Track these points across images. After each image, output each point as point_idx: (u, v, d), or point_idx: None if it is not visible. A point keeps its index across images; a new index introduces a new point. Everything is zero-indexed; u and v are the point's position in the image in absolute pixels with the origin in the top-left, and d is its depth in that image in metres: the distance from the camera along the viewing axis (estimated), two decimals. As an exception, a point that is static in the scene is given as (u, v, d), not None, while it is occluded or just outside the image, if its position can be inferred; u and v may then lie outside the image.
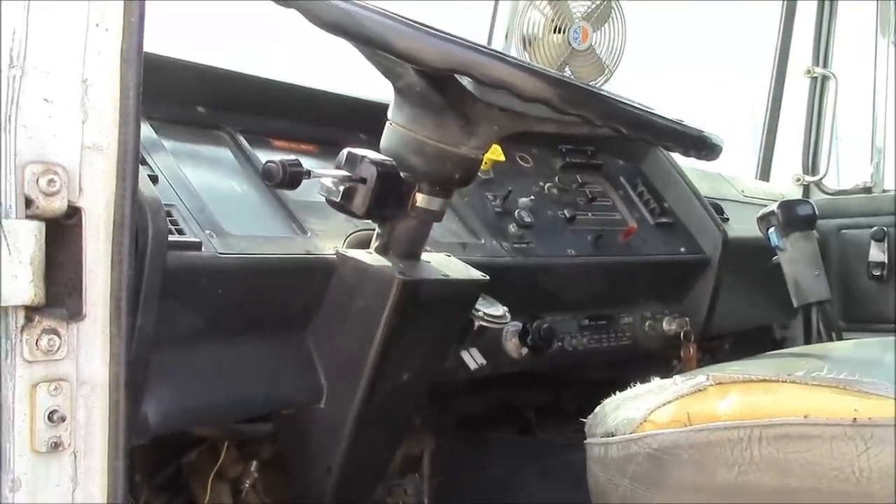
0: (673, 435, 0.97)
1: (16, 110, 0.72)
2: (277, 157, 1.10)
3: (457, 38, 0.96)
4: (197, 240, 1.08)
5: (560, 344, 1.62)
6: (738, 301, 2.07)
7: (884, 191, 2.62)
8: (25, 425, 0.74)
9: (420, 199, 1.18)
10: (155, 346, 0.99)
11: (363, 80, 1.37)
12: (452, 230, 1.50)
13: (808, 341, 2.24)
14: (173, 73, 1.26)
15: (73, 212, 0.75)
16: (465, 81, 1.12)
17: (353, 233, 1.29)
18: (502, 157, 1.63)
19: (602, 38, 1.82)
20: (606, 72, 1.85)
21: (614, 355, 1.78)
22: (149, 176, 1.08)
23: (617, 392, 1.12)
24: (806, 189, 2.68)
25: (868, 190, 2.63)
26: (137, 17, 0.77)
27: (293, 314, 1.22)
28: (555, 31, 1.77)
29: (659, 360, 1.95)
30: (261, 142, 1.37)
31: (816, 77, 2.67)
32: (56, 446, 0.76)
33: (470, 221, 1.54)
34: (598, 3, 1.80)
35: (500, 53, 1.00)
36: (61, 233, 0.75)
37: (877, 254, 2.39)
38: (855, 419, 0.88)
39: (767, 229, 2.01)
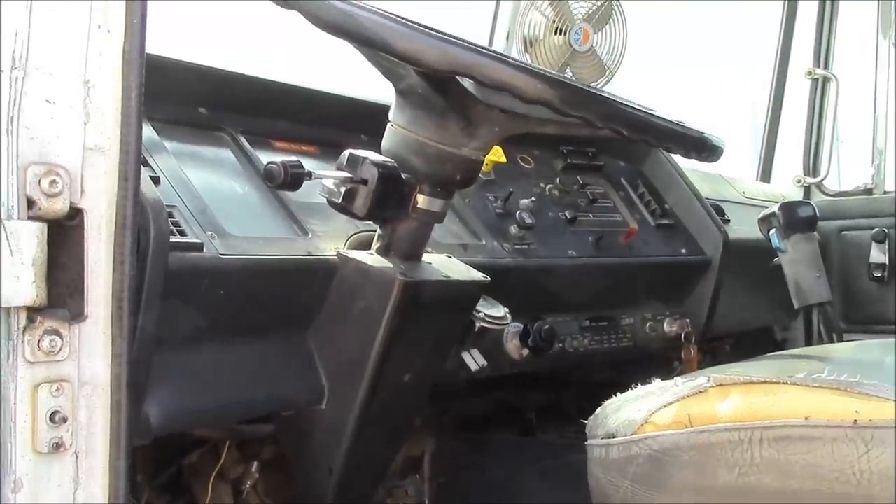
0: (674, 436, 0.97)
1: (18, 111, 0.72)
2: (279, 158, 1.10)
3: (458, 39, 0.96)
4: (198, 241, 1.08)
5: (561, 345, 1.62)
6: (739, 302, 2.08)
7: (885, 192, 2.62)
8: (27, 426, 0.74)
9: (421, 200, 1.18)
10: (156, 346, 0.99)
11: (364, 82, 1.37)
12: (453, 231, 1.50)
13: (808, 343, 2.24)
14: (175, 75, 1.26)
15: (75, 213, 0.75)
16: (467, 83, 1.12)
17: (355, 234, 1.29)
18: (503, 159, 1.63)
19: (603, 40, 1.82)
20: (607, 73, 1.85)
21: (615, 356, 1.78)
22: (150, 177, 1.08)
23: (618, 393, 1.12)
24: (807, 190, 2.68)
25: (869, 191, 2.63)
26: (139, 18, 0.77)
27: (294, 315, 1.22)
28: (556, 33, 1.77)
29: (660, 361, 1.95)
30: (262, 143, 1.37)
31: (817, 78, 2.67)
32: (58, 447, 0.76)
33: (471, 223, 1.54)
34: (599, 4, 1.80)
35: (502, 55, 1.00)
36: (63, 234, 0.75)
37: (878, 255, 2.39)
38: (856, 421, 0.88)
39: (768, 231, 2.01)
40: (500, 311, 1.39)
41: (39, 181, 0.73)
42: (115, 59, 0.76)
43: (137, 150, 0.78)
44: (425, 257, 1.26)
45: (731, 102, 3.78)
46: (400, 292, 1.16)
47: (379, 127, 1.20)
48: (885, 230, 2.38)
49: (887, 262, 2.38)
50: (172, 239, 1.01)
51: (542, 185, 1.76)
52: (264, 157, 1.30)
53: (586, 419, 1.12)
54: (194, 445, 1.38)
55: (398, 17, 0.95)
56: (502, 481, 1.80)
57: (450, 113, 1.13)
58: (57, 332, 0.75)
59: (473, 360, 1.40)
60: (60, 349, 0.75)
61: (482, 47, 0.98)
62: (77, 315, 0.76)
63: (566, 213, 1.72)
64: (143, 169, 0.91)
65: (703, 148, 1.17)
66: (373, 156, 1.15)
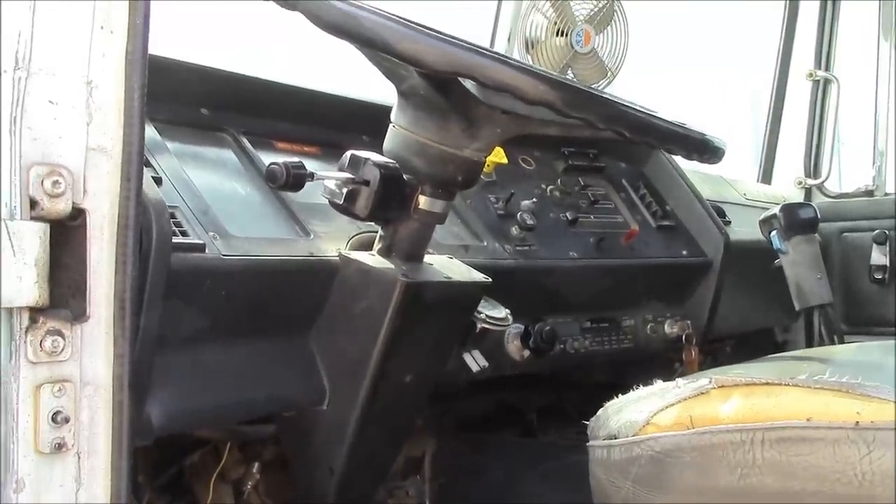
0: (675, 438, 0.97)
1: (21, 112, 0.72)
2: (281, 159, 1.10)
3: (460, 40, 0.96)
4: (200, 241, 1.08)
5: (562, 346, 1.62)
6: (740, 304, 2.08)
7: (886, 194, 2.62)
8: (29, 426, 0.74)
9: (423, 201, 1.18)
10: (158, 347, 0.99)
11: (366, 83, 1.37)
12: (455, 232, 1.50)
13: (809, 344, 2.25)
14: (177, 75, 1.26)
15: (78, 213, 0.76)
16: (468, 84, 1.12)
17: (356, 235, 1.29)
18: (505, 160, 1.63)
19: (605, 41, 1.82)
20: (609, 74, 1.84)
21: (616, 358, 1.78)
22: (153, 177, 1.08)
23: (619, 394, 1.12)
24: (808, 192, 2.68)
25: (870, 193, 2.63)
26: (142, 19, 0.77)
27: (296, 316, 1.22)
28: (557, 34, 1.77)
29: (660, 362, 1.95)
30: (264, 144, 1.37)
31: (818, 80, 2.67)
32: (60, 447, 0.76)
33: (472, 224, 1.54)
34: (600, 5, 1.80)
35: (503, 56, 1.00)
36: (66, 234, 0.76)
37: (878, 257, 2.39)
38: (857, 422, 0.88)
39: (769, 232, 2.01)
40: (502, 312, 1.39)
41: (42, 181, 0.73)
42: (118, 60, 0.77)
43: (140, 151, 0.78)
44: (427, 258, 1.26)
45: (732, 103, 3.78)
46: (401, 293, 1.16)
47: (380, 128, 1.20)
48: (886, 232, 2.38)
49: (888, 264, 2.38)
50: (174, 239, 1.01)
51: (544, 186, 1.76)
52: (266, 158, 1.30)
53: (587, 420, 1.12)
54: (195, 446, 1.38)
55: (400, 17, 0.95)
56: (503, 482, 1.80)
57: (451, 114, 1.13)
58: (59, 333, 0.75)
59: (475, 360, 1.40)
60: (63, 349, 0.75)
61: (484, 48, 0.98)
62: (79, 315, 0.76)
63: (567, 214, 1.72)
64: (145, 169, 0.91)
65: (705, 149, 1.17)
66: (375, 157, 1.15)
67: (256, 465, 1.42)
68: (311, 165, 1.11)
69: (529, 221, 1.61)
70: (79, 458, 0.77)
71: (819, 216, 2.04)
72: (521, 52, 1.77)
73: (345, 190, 1.14)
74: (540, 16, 1.76)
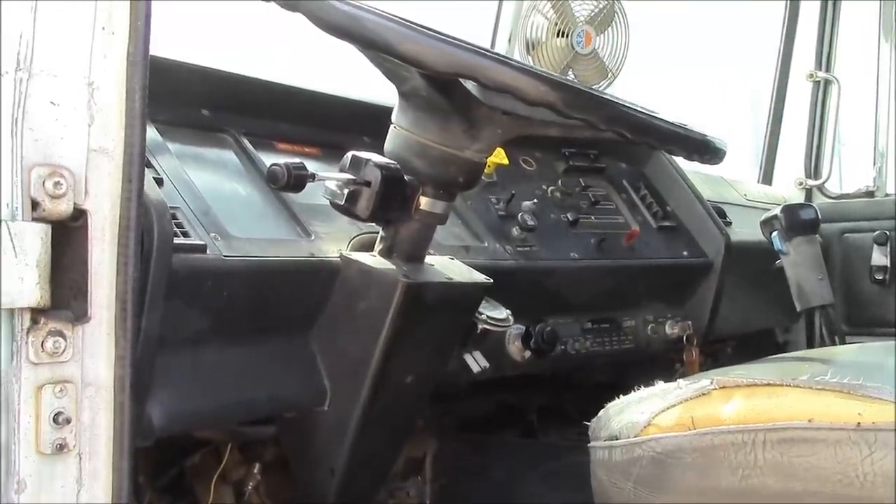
0: (677, 439, 0.97)
1: (22, 113, 0.72)
2: (281, 159, 1.10)
3: (461, 41, 0.96)
4: (202, 242, 1.08)
5: (563, 347, 1.62)
6: (741, 305, 2.08)
7: (886, 195, 2.62)
8: (31, 427, 0.74)
9: (424, 202, 1.18)
10: (159, 348, 0.99)
11: (367, 83, 1.37)
12: (456, 233, 1.50)
13: (810, 345, 2.25)
14: (178, 76, 1.26)
15: (79, 214, 0.76)
16: (470, 85, 1.12)
17: (357, 236, 1.29)
18: (506, 161, 1.63)
19: (605, 42, 1.82)
20: (610, 75, 1.84)
21: (617, 358, 1.78)
22: (154, 178, 1.08)
23: (619, 395, 1.12)
24: (808, 193, 2.68)
25: (871, 194, 2.63)
26: (143, 20, 0.77)
27: (297, 317, 1.22)
28: (558, 35, 1.77)
29: (661, 363, 1.95)
30: (265, 145, 1.37)
31: (819, 81, 2.67)
32: (61, 448, 0.76)
33: (473, 224, 1.54)
34: (601, 6, 1.80)
35: (504, 57, 1.00)
36: (67, 235, 0.76)
37: (879, 258, 2.39)
38: (859, 423, 0.88)
39: (770, 233, 2.02)
40: (503, 312, 1.39)
41: (44, 182, 0.73)
42: (119, 61, 0.77)
43: (141, 152, 0.78)
44: (428, 259, 1.26)
45: (732, 104, 3.79)
46: (402, 294, 1.16)
47: (381, 129, 1.20)
48: (887, 232, 2.38)
49: (889, 265, 2.37)
50: (176, 240, 1.01)
51: (544, 187, 1.76)
52: (267, 159, 1.30)
53: (588, 421, 1.12)
54: (196, 447, 1.38)
55: (401, 19, 0.95)
56: (504, 483, 1.80)
57: (452, 115, 1.13)
58: (60, 334, 0.75)
59: (475, 361, 1.40)
60: (64, 350, 0.75)
61: (485, 49, 0.98)
62: (81, 316, 0.76)
63: (568, 215, 1.72)
64: (146, 170, 0.91)
65: (706, 150, 1.17)
66: (376, 158, 1.15)
67: (257, 465, 1.41)
68: (312, 166, 1.11)
69: (530, 222, 1.61)
70: (80, 458, 0.77)
71: (820, 217, 2.04)
72: (521, 53, 1.77)
73: (346, 191, 1.14)
74: (541, 17, 1.76)
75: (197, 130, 1.31)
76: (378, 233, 1.24)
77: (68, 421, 0.76)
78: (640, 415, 1.02)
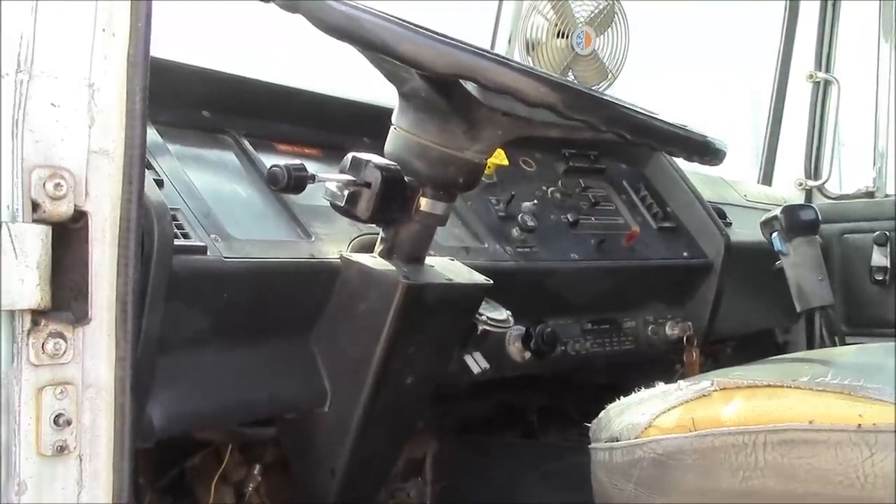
0: (678, 440, 0.97)
1: (23, 115, 0.72)
2: (282, 161, 1.10)
3: (461, 42, 0.96)
4: (202, 244, 1.08)
5: (563, 348, 1.62)
6: (741, 305, 2.08)
7: (886, 195, 2.62)
8: (31, 429, 0.74)
9: (424, 203, 1.18)
10: (160, 349, 0.99)
11: (367, 84, 1.37)
12: (456, 234, 1.50)
13: (810, 346, 2.25)
14: (179, 78, 1.26)
15: (80, 216, 0.76)
16: (470, 86, 1.12)
17: (358, 237, 1.29)
18: (506, 162, 1.63)
19: (605, 43, 1.82)
20: (610, 76, 1.84)
21: (617, 359, 1.78)
22: (154, 180, 1.08)
23: (620, 396, 1.12)
24: (808, 194, 2.68)
25: (871, 194, 2.63)
26: (144, 21, 0.77)
27: (297, 318, 1.22)
28: (558, 36, 1.77)
29: (661, 364, 1.95)
30: (265, 146, 1.37)
31: (819, 81, 2.67)
32: (62, 450, 0.76)
33: (473, 225, 1.54)
34: (601, 6, 1.80)
35: (504, 58, 1.00)
36: (67, 237, 0.76)
37: (879, 258, 2.39)
38: (859, 425, 0.88)
39: (770, 234, 2.02)
40: (503, 313, 1.39)
41: (44, 184, 0.73)
42: (120, 63, 0.77)
43: (142, 154, 0.78)
44: (428, 260, 1.26)
45: (732, 104, 3.79)
46: (403, 295, 1.16)
47: (382, 130, 1.20)
48: (887, 233, 2.38)
49: (889, 266, 2.37)
50: (176, 242, 1.01)
51: (545, 187, 1.76)
52: (267, 160, 1.30)
53: (588, 422, 1.12)
54: (197, 448, 1.38)
55: (401, 20, 0.95)
56: (504, 483, 1.80)
57: (453, 116, 1.13)
58: (61, 335, 0.75)
59: (476, 362, 1.40)
60: (64, 352, 0.75)
61: (485, 50, 0.98)
62: (81, 318, 0.76)
63: (568, 215, 1.72)
64: (147, 172, 0.91)
65: (706, 151, 1.17)
66: (376, 159, 1.15)
67: (258, 466, 1.41)
68: (312, 167, 1.11)
69: (530, 223, 1.61)
70: (80, 460, 0.77)
71: (820, 218, 2.04)
72: (521, 53, 1.77)
73: (346, 192, 1.14)
74: (540, 17, 1.76)
75: (197, 132, 1.31)
76: (378, 234, 1.24)
77: (69, 422, 0.76)
78: (640, 416, 1.02)
